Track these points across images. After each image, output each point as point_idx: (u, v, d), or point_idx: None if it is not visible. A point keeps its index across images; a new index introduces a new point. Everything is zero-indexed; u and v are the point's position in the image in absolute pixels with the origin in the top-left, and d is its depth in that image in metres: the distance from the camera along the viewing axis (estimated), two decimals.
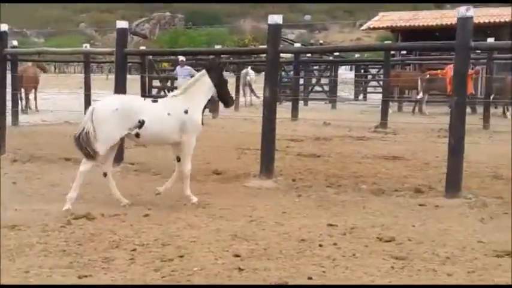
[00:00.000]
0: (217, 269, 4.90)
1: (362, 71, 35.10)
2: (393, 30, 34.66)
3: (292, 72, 26.25)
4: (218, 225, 6.34)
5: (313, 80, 32.33)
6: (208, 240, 5.75)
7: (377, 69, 32.72)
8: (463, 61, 8.12)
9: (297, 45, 28.62)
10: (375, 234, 6.07)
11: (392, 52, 24.04)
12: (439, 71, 22.21)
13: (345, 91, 35.37)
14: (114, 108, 7.07)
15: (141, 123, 7.13)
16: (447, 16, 29.75)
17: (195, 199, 7.40)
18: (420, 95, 22.83)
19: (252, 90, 25.46)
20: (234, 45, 54.17)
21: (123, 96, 7.85)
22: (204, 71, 7.65)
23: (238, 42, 63.48)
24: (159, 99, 7.69)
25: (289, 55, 23.56)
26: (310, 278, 4.74)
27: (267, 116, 9.10)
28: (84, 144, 6.96)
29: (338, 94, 30.87)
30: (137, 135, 7.20)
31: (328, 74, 30.76)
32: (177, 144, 7.42)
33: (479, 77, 22.49)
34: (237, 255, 5.27)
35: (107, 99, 7.47)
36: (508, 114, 20.96)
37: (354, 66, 36.08)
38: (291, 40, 41.88)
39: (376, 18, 35.89)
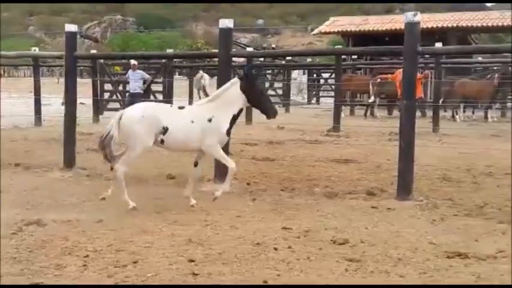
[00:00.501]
0: (172, 275, 4.87)
1: (314, 75, 35.41)
2: (344, 34, 35.12)
3: None
4: (172, 230, 6.30)
5: (266, 84, 32.44)
6: (163, 246, 5.71)
7: (329, 74, 33.05)
8: (411, 65, 8.26)
9: (249, 49, 28.69)
10: (328, 237, 6.13)
11: (343, 56, 24.34)
12: (389, 75, 22.59)
13: (299, 95, 35.60)
14: (140, 116, 7.22)
15: (164, 130, 7.22)
16: (396, 21, 30.29)
17: (219, 194, 7.40)
18: (372, 99, 23.17)
19: (206, 94, 25.43)
20: (187, 49, 53.94)
21: (149, 104, 8.09)
22: (235, 79, 7.52)
23: (191, 46, 63.30)
24: (187, 107, 7.81)
25: (242, 59, 23.59)
26: (265, 282, 4.75)
27: None
28: (106, 148, 7.26)
29: (292, 98, 31.05)
30: (162, 141, 7.31)
31: (281, 78, 30.94)
32: (201, 151, 7.47)
33: (429, 80, 22.92)
34: (192, 260, 5.25)
35: (134, 106, 7.67)
36: (457, 117, 21.43)
37: (306, 71, 36.34)
38: (243, 44, 41.96)
39: (327, 23, 36.30)
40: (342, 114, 19.66)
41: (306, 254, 5.52)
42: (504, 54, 24.29)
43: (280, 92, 31.43)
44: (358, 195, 8.31)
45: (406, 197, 7.95)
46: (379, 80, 22.82)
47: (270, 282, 4.75)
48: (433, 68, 19.78)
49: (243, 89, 7.34)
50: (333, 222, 6.78)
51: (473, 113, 22.52)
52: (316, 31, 37.60)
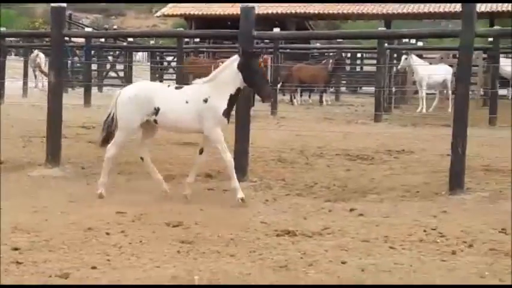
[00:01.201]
0: None
1: (158, 58, 35.08)
2: (187, 18, 35.08)
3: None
4: None
5: (108, 66, 31.68)
6: None
7: (172, 57, 32.88)
8: None
9: (88, 29, 27.82)
10: (163, 219, 6.10)
11: (186, 39, 24.32)
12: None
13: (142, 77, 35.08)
14: (132, 95, 7.06)
15: (156, 111, 6.98)
16: (238, 6, 30.69)
17: (241, 194, 6.90)
18: None
19: (43, 72, 24.31)
20: (23, 28, 51.20)
21: (143, 83, 8.00)
22: (235, 57, 7.09)
23: (28, 25, 60.22)
24: (184, 87, 7.41)
25: (81, 39, 22.86)
26: (94, 268, 4.64)
27: (53, 101, 8.74)
28: (106, 129, 7.18)
29: (134, 80, 30.55)
30: (155, 121, 7.09)
31: (123, 60, 30.33)
32: (202, 134, 7.13)
33: (268, 65, 23.48)
34: (16, 249, 5.00)
35: (129, 85, 7.58)
36: (294, 101, 22.19)
37: (149, 53, 35.90)
38: (83, 25, 40.59)
39: (170, 5, 36.05)
40: None
41: (139, 238, 5.46)
42: (338, 40, 25.55)
43: (122, 74, 30.82)
44: (196, 178, 8.33)
45: (241, 178, 8.05)
46: (220, 63, 22.97)
47: (99, 268, 4.64)
48: (272, 53, 20.29)
49: (240, 68, 6.90)
50: (168, 205, 6.76)
51: (309, 96, 23.44)
52: (159, 13, 37.22)
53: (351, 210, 6.70)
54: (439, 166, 8.89)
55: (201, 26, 31.81)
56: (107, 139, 7.27)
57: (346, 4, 31.73)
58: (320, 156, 10.44)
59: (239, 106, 8.26)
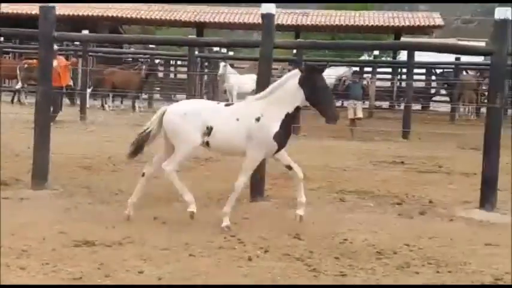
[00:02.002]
0: None
1: None
2: None
3: None
4: None
5: None
6: None
7: None
8: (46, 51, 8.06)
9: None
10: None
11: None
12: (35, 60, 21.81)
13: None
14: (182, 113, 6.34)
15: (209, 130, 6.26)
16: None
17: (227, 222, 6.28)
18: (19, 85, 22.16)
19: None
20: None
21: (192, 100, 7.48)
22: (295, 71, 6.32)
23: None
24: (235, 103, 6.82)
25: None
26: None
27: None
28: (139, 142, 6.63)
29: None
30: (207, 143, 6.36)
31: None
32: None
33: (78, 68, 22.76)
34: None
35: (178, 102, 6.96)
36: (106, 106, 21.68)
37: None
38: None
39: None
40: None
41: None
42: (151, 46, 25.38)
43: None
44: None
45: (41, 185, 7.76)
46: (26, 65, 21.89)
47: None
48: (81, 56, 19.70)
49: (302, 84, 6.13)
50: None
51: (121, 102, 23.06)
52: None
53: (155, 218, 6.66)
54: None
55: (6, 25, 29.98)
56: (135, 153, 6.78)
57: (160, 11, 31.72)
58: (128, 164, 10.26)
59: (39, 111, 7.91)
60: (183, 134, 6.33)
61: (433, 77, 27.10)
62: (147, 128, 6.60)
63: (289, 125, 6.30)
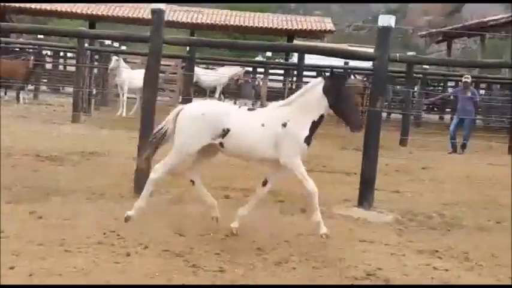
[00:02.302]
0: None
1: None
2: None
3: None
4: None
5: None
6: None
7: None
8: None
9: None
10: None
11: None
12: None
13: None
14: (198, 114, 6.14)
15: (224, 132, 6.07)
16: None
17: (324, 229, 6.09)
18: None
19: None
20: None
21: (213, 102, 7.18)
22: (318, 79, 6.22)
23: None
24: (258, 109, 6.69)
25: None
26: None
27: None
28: (155, 142, 6.30)
29: None
30: (221, 144, 6.15)
31: None
32: (273, 162, 6.20)
33: None
34: None
35: (196, 102, 6.72)
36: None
37: None
38: None
39: None
40: None
41: None
42: (40, 37, 24.51)
43: None
44: None
45: None
46: None
47: None
48: None
49: (326, 92, 6.05)
50: None
51: (5, 93, 22.08)
52: None
53: (31, 213, 6.42)
54: (130, 168, 8.99)
55: None
56: (152, 154, 6.43)
57: (52, 3, 30.61)
58: (8, 156, 9.86)
59: None
60: (188, 135, 6.16)
61: None
62: (163, 128, 6.35)
63: (313, 133, 6.21)
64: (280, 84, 26.80)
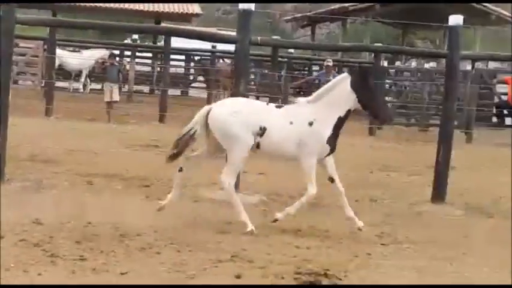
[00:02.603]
0: None
1: None
2: None
3: None
4: None
5: None
6: None
7: None
8: None
9: None
10: None
11: None
12: None
13: None
14: (232, 112, 6.05)
15: (262, 131, 6.01)
16: None
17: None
18: None
19: None
20: None
21: (239, 99, 6.76)
22: (344, 74, 6.23)
23: None
24: (285, 106, 6.58)
25: None
26: None
27: None
28: (182, 144, 6.18)
29: None
30: (257, 145, 6.08)
31: None
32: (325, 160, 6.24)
33: None
34: None
35: (222, 101, 6.61)
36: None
37: None
38: None
39: None
40: None
41: None
42: None
43: None
44: None
45: None
46: None
47: None
48: None
49: (354, 87, 6.07)
50: None
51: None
52: None
53: None
54: None
55: None
56: (176, 156, 6.27)
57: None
58: None
59: None
60: (236, 135, 6.04)
61: (192, 64, 27.77)
62: (191, 129, 6.18)
63: (339, 128, 6.23)
64: (149, 68, 26.44)
